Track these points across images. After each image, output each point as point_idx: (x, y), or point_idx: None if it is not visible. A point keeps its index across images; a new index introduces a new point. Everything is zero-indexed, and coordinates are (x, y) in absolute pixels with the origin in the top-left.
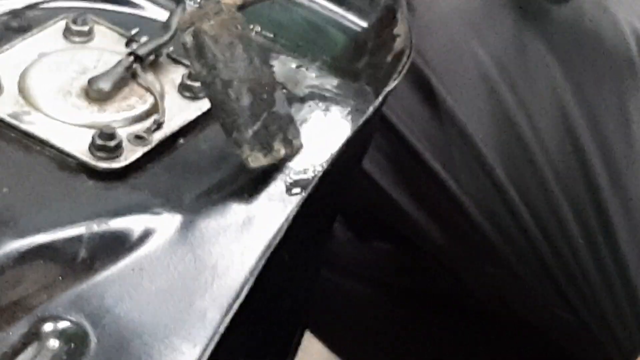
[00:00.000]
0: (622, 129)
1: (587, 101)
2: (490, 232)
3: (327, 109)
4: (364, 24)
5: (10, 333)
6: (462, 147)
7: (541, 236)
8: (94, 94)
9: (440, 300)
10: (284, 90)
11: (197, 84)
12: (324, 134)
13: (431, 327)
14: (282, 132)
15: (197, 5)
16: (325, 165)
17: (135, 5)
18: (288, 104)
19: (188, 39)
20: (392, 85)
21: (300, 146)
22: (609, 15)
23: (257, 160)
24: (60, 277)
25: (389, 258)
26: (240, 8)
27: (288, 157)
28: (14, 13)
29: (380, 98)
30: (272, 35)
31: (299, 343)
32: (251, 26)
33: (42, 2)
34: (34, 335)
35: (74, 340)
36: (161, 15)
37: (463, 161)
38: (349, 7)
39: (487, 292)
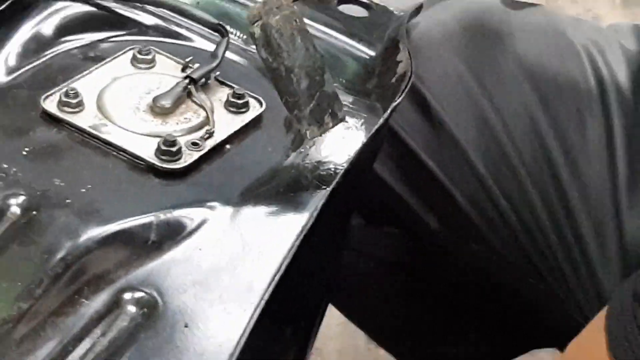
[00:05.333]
0: (579, 130)
1: (550, 107)
2: (474, 216)
3: (345, 121)
4: (373, 53)
5: (96, 301)
6: (451, 149)
7: (515, 218)
8: (158, 109)
9: (436, 274)
10: None
11: (240, 101)
12: (344, 140)
13: (429, 296)
14: (330, 108)
15: (262, 1)
16: (346, 165)
17: (187, 39)
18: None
19: (256, 30)
20: (397, 101)
21: (343, 118)
22: (566, 40)
23: (313, 132)
24: (135, 257)
25: (395, 240)
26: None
27: (334, 127)
28: (91, 45)
29: (388, 111)
30: None
31: (323, 314)
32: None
33: (113, 37)
34: (115, 303)
35: (147, 307)
36: (208, 46)
37: (452, 160)
38: (359, 39)
39: (473, 266)
